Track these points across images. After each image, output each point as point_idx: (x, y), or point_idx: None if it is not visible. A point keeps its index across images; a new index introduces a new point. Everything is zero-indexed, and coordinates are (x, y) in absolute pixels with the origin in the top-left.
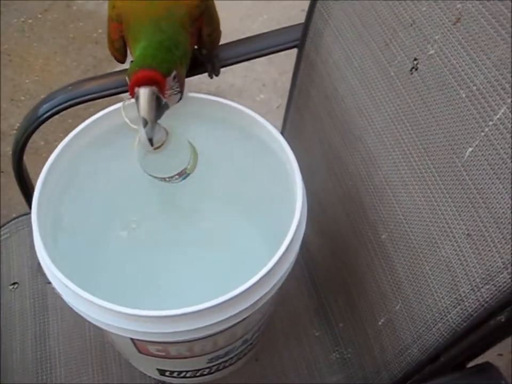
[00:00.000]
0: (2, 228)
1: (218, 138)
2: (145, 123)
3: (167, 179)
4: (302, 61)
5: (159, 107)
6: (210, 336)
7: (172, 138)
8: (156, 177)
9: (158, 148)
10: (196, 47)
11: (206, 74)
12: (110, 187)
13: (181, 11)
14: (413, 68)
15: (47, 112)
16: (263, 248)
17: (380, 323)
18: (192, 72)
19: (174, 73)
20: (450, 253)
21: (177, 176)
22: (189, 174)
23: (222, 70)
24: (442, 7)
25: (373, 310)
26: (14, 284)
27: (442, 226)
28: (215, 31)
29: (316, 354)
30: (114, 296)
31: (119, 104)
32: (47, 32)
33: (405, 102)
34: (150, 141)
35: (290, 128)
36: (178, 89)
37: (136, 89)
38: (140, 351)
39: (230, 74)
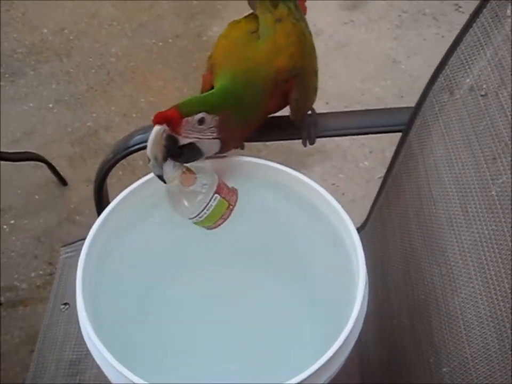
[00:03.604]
0: (67, 246)
1: (284, 211)
2: (149, 160)
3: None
4: (402, 149)
5: (171, 146)
6: None
7: (197, 180)
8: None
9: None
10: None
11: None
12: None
13: (268, 70)
14: None
15: (138, 144)
16: (312, 330)
17: None
18: (285, 136)
19: (201, 115)
20: None
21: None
22: (208, 227)
23: None
24: None
25: None
26: (65, 304)
27: None
28: (304, 99)
29: None
30: (147, 363)
31: None
32: (173, 57)
33: (501, 228)
34: (159, 177)
35: (376, 216)
36: (214, 135)
37: None
38: None
39: None
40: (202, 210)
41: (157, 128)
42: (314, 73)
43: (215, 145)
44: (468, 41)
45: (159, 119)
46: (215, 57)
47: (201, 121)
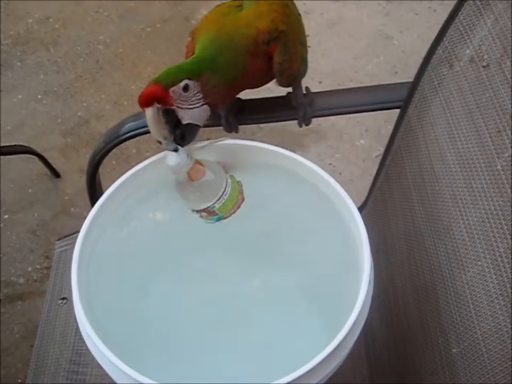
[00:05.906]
0: (62, 240)
1: (283, 195)
2: (159, 142)
3: (200, 215)
4: (401, 125)
5: (171, 119)
6: None
7: (206, 170)
8: (192, 210)
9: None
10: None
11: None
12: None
13: (248, 30)
14: None
15: (129, 132)
16: (317, 322)
17: None
18: (281, 117)
19: (184, 82)
20: None
21: (205, 214)
22: (221, 217)
23: None
24: None
25: None
26: (63, 298)
27: None
28: (288, 62)
29: None
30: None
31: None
32: (162, 42)
33: (508, 203)
34: (175, 150)
35: (377, 195)
36: (201, 101)
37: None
38: None
39: None
40: (221, 195)
41: (149, 110)
42: (300, 42)
43: (205, 111)
44: (467, 10)
45: (146, 102)
46: (198, 26)
47: (185, 88)
